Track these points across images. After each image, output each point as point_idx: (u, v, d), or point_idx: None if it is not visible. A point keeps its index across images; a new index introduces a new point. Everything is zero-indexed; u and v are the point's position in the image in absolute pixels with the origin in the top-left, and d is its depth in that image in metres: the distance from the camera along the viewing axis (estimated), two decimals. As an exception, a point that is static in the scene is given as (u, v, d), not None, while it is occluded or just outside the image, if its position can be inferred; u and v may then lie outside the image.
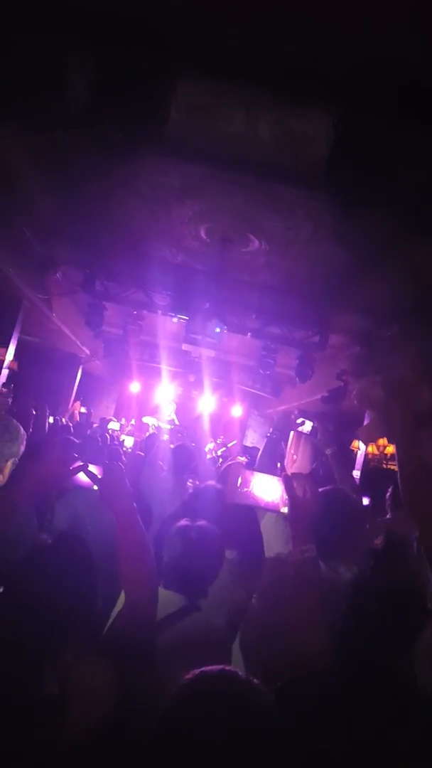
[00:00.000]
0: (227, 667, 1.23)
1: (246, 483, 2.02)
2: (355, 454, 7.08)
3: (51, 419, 7.43)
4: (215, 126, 2.85)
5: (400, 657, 1.58)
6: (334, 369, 6.97)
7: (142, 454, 5.35)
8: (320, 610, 1.72)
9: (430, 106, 2.52)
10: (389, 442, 6.58)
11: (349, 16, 2.24)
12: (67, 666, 1.33)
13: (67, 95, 2.81)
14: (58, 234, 5.79)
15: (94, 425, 9.48)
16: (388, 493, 3.22)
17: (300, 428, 2.90)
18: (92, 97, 2.81)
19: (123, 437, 9.26)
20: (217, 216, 4.39)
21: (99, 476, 1.74)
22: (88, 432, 7.65)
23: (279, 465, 3.96)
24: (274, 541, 2.26)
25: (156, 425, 11.20)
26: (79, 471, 1.75)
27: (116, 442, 7.88)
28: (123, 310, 7.77)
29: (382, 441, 7.67)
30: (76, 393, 11.54)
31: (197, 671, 1.19)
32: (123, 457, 4.33)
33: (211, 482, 3.35)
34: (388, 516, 3.12)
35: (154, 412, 12.43)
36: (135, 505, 1.68)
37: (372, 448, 7.41)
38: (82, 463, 1.75)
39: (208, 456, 8.54)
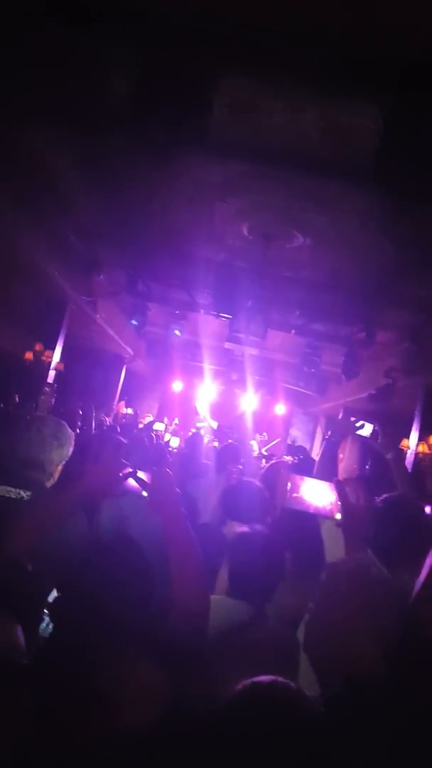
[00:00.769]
0: (279, 678, 1.21)
1: (296, 488, 1.97)
2: (405, 454, 6.90)
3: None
4: (258, 121, 2.80)
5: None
6: (382, 366, 6.80)
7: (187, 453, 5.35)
8: (373, 620, 1.66)
9: None
10: None
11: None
12: (121, 668, 1.33)
13: (110, 97, 2.82)
14: (101, 236, 5.85)
15: (140, 425, 9.58)
16: None
17: (359, 431, 2.79)
18: (134, 98, 2.80)
19: (168, 436, 9.32)
20: (260, 212, 4.34)
21: (148, 482, 1.73)
22: (135, 432, 7.71)
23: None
24: (336, 548, 2.20)
25: (201, 425, 11.25)
26: (128, 477, 1.74)
27: (162, 443, 7.93)
28: (166, 309, 7.80)
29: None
30: (121, 393, 11.68)
31: (249, 681, 1.18)
32: (169, 457, 4.33)
33: (250, 479, 3.31)
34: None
35: (196, 411, 12.47)
36: (184, 510, 1.67)
37: (423, 447, 7.19)
38: (131, 470, 1.74)
39: (255, 453, 8.51)
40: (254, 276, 5.81)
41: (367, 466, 2.84)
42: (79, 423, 6.38)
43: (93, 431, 6.23)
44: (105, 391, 11.22)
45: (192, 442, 6.40)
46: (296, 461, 6.79)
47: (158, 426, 9.99)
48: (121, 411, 10.37)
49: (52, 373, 7.95)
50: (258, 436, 11.46)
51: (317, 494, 1.97)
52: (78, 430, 6.17)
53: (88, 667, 1.30)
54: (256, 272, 5.73)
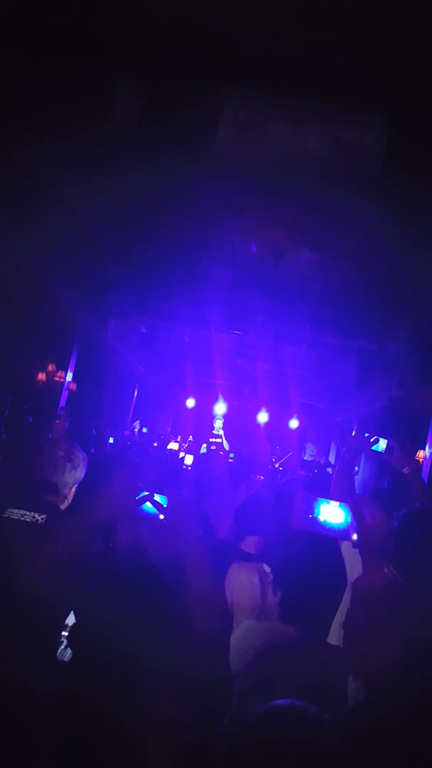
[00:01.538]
0: (297, 702, 1.19)
1: (310, 509, 1.94)
2: (421, 464, 6.82)
3: (111, 439, 7.54)
4: (262, 141, 2.83)
5: None
6: (394, 377, 6.76)
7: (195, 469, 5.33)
8: (394, 639, 1.63)
9: None
10: None
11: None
12: (142, 698, 1.31)
13: (116, 118, 2.86)
14: (111, 256, 5.90)
15: (155, 444, 9.58)
16: None
17: (374, 447, 2.74)
18: (140, 119, 2.84)
19: (182, 454, 9.32)
20: (268, 229, 4.36)
21: (164, 505, 1.72)
22: (150, 451, 7.71)
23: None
24: (355, 568, 2.17)
25: (216, 440, 11.23)
26: (145, 501, 1.73)
27: (175, 461, 7.91)
28: (177, 327, 7.84)
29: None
30: (134, 411, 11.71)
31: (268, 705, 1.16)
32: (183, 477, 4.31)
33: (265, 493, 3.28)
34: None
35: (210, 428, 12.44)
36: (200, 532, 1.65)
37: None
38: (147, 493, 1.74)
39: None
40: (264, 291, 5.83)
41: (384, 483, 2.79)
42: (93, 444, 6.39)
43: (107, 451, 6.23)
44: (118, 410, 11.26)
45: (205, 460, 6.39)
46: (310, 476, 6.74)
47: (172, 446, 9.98)
48: (136, 430, 10.39)
49: (65, 394, 8.00)
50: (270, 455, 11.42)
51: (332, 515, 1.94)
52: (93, 451, 6.18)
53: (108, 698, 1.28)
54: (265, 288, 5.75)
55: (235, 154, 2.86)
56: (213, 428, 12.37)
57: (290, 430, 12.30)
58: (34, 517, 2.09)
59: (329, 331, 6.96)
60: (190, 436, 12.30)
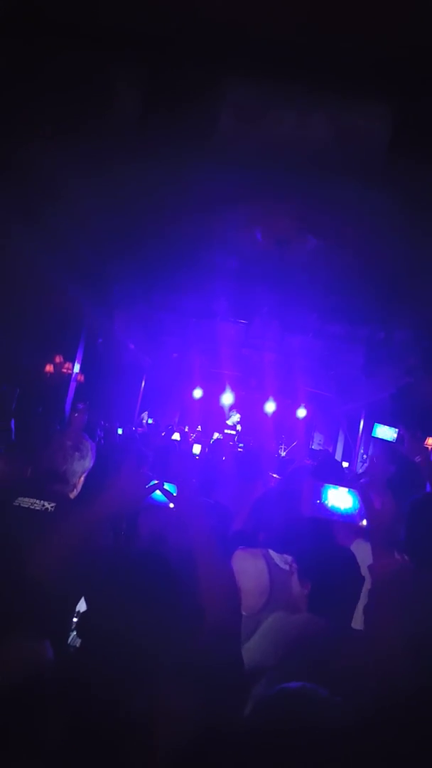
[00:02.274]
0: (308, 684, 1.19)
1: (318, 495, 1.95)
2: (430, 451, 6.80)
3: (120, 430, 7.58)
4: (265, 129, 2.81)
5: None
6: (402, 365, 6.73)
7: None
8: (406, 624, 1.64)
9: None
10: None
11: None
12: (152, 687, 1.32)
13: (116, 110, 2.84)
14: (115, 248, 5.90)
15: (162, 434, 9.62)
16: None
17: (382, 435, 2.73)
18: (140, 110, 2.83)
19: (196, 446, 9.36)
20: (273, 218, 4.34)
21: (171, 497, 1.73)
22: (158, 441, 7.74)
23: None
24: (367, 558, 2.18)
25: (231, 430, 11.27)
26: (154, 490, 1.74)
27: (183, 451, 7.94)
28: (182, 317, 7.83)
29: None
30: (141, 402, 11.74)
31: (278, 687, 1.17)
32: (192, 466, 4.32)
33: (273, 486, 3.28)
34: None
35: (219, 419, 12.46)
36: (211, 520, 1.66)
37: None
38: (157, 482, 1.75)
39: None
40: (269, 281, 5.81)
41: (393, 470, 2.79)
42: (101, 434, 6.42)
43: (116, 442, 6.27)
44: (126, 401, 11.28)
45: (215, 449, 6.42)
46: (317, 464, 6.74)
47: (175, 437, 10.03)
48: (144, 421, 10.43)
49: (72, 385, 8.03)
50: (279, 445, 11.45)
51: (340, 501, 1.95)
52: (102, 441, 6.22)
53: (117, 686, 1.28)
54: (270, 277, 5.73)
55: (238, 143, 2.84)
56: (227, 420, 12.40)
57: (298, 419, 12.30)
58: (43, 505, 2.12)
59: (336, 320, 6.93)
60: (199, 427, 12.34)
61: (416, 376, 6.49)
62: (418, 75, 2.50)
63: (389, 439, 6.45)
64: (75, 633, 2.01)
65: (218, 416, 12.90)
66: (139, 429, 8.35)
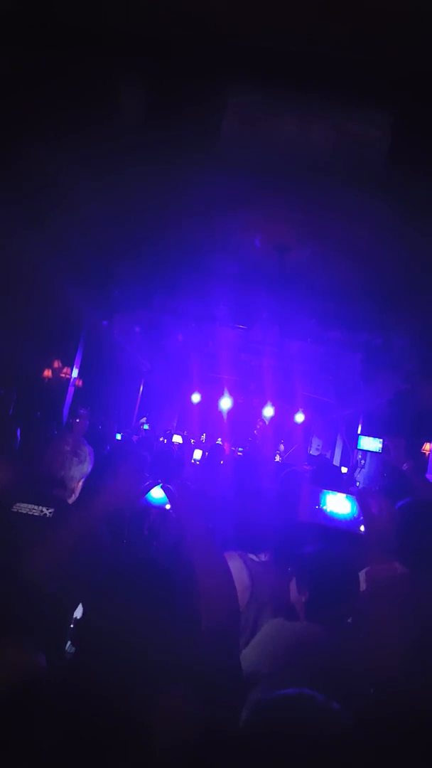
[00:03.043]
0: (306, 690, 1.19)
1: (316, 500, 1.95)
2: (428, 457, 6.81)
3: (119, 435, 7.56)
4: (266, 135, 2.82)
5: None
6: (400, 371, 6.74)
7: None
8: (399, 631, 1.64)
9: None
10: None
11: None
12: (149, 692, 1.31)
13: (120, 114, 2.86)
14: (116, 252, 5.91)
15: (161, 439, 9.61)
16: None
17: (367, 448, 2.75)
18: (144, 115, 2.84)
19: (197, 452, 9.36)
20: (273, 224, 4.35)
21: (171, 496, 1.72)
22: (156, 446, 7.73)
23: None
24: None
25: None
26: (151, 488, 1.73)
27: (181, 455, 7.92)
28: (182, 322, 7.84)
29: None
30: (139, 407, 11.73)
31: (276, 693, 1.17)
32: (189, 469, 4.32)
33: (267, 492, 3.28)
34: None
35: (216, 423, 12.45)
36: (209, 525, 1.65)
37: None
38: (151, 482, 1.74)
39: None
40: (269, 286, 5.82)
41: (386, 478, 2.79)
42: (101, 441, 6.40)
43: (115, 447, 6.25)
44: (124, 405, 11.28)
45: (215, 453, 6.42)
46: (314, 469, 6.74)
47: (176, 439, 10.02)
48: (142, 426, 10.42)
49: (71, 390, 8.03)
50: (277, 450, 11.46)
51: (338, 506, 1.95)
52: (108, 448, 6.20)
53: (115, 691, 1.27)
54: (270, 282, 5.74)
55: (239, 149, 2.86)
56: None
57: (296, 424, 12.30)
58: (42, 510, 2.11)
59: (334, 326, 6.94)
60: (203, 436, 12.33)
61: (414, 382, 6.51)
62: (417, 84, 2.51)
63: (375, 450, 6.46)
64: (71, 641, 2.00)
65: (217, 421, 12.90)
66: (135, 437, 8.31)
